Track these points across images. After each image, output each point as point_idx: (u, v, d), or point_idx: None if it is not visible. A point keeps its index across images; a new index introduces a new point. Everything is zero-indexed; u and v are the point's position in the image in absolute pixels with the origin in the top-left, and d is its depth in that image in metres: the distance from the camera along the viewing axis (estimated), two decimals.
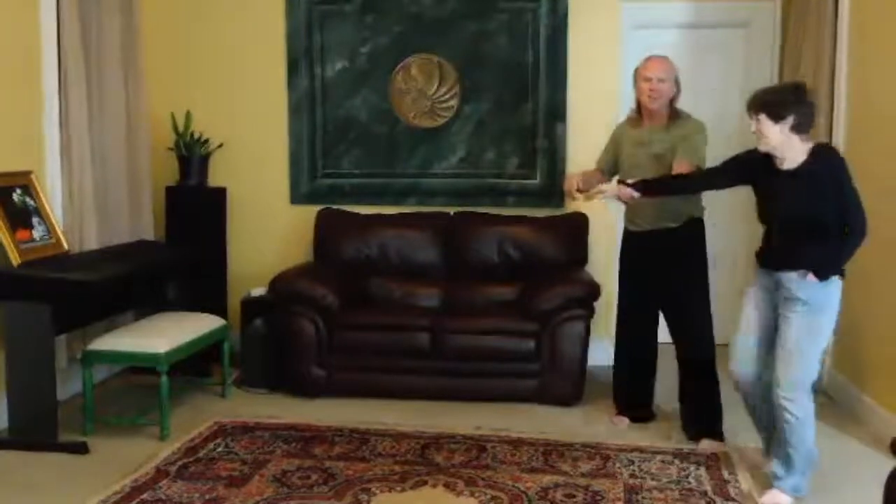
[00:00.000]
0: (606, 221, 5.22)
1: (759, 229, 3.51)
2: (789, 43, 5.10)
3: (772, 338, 3.38)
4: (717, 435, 3.95)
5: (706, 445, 3.90)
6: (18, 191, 4.10)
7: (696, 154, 3.87)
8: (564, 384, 4.50)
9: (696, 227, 4.02)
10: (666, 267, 4.00)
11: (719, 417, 3.99)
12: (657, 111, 3.95)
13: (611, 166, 4.21)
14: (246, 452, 3.80)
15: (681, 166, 3.79)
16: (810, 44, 4.76)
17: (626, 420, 4.26)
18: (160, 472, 3.55)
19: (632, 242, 4.19)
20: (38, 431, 3.83)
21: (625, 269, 4.24)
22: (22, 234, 4.01)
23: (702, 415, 4.00)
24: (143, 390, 4.56)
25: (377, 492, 3.37)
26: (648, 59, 4.00)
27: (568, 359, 4.48)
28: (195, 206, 5.21)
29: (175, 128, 5.22)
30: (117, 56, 4.82)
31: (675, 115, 3.96)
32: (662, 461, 3.72)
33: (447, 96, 5.33)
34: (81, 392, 4.10)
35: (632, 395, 4.30)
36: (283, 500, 3.29)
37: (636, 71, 4.01)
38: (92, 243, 4.53)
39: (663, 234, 4.00)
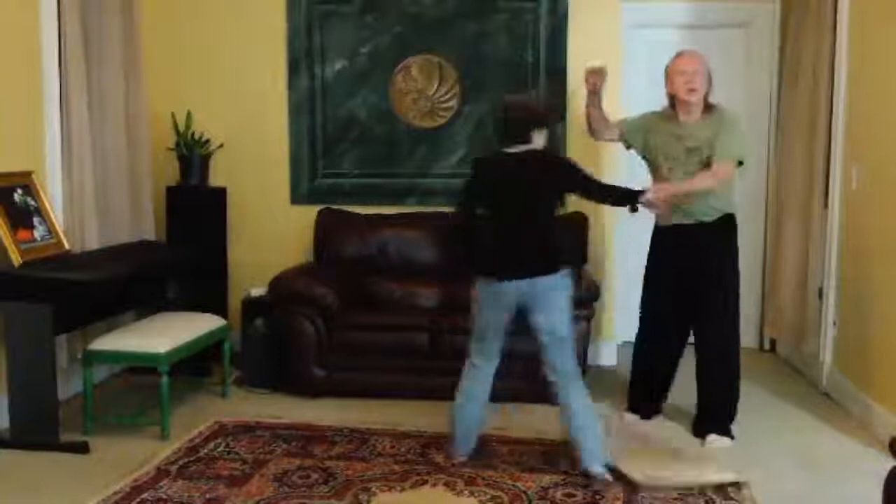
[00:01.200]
0: (606, 221, 5.23)
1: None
2: (789, 43, 5.10)
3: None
4: (727, 432, 3.95)
5: (713, 441, 3.90)
6: (19, 191, 4.10)
7: (730, 151, 3.86)
8: None
9: (727, 224, 4.00)
10: (694, 263, 3.96)
11: (732, 416, 4.00)
12: (695, 104, 3.93)
13: (622, 133, 4.18)
14: (246, 452, 3.80)
15: (704, 177, 3.84)
16: (810, 44, 4.76)
17: (635, 417, 4.25)
18: (161, 472, 3.55)
19: (661, 238, 4.12)
20: (38, 431, 3.84)
21: (652, 265, 4.17)
22: (23, 234, 4.01)
23: (717, 411, 4.00)
24: (143, 390, 4.56)
25: (377, 491, 3.38)
26: (680, 54, 3.99)
27: None
28: (195, 206, 5.22)
29: (175, 128, 5.23)
30: (118, 56, 4.83)
31: (709, 109, 3.96)
32: None
33: (447, 96, 5.33)
34: (82, 392, 4.10)
35: (646, 395, 4.27)
36: (283, 500, 3.30)
37: (667, 69, 3.99)
38: (93, 243, 4.53)
39: (693, 229, 3.97)
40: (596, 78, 4.14)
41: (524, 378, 4.22)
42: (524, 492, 3.38)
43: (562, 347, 3.49)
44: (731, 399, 4.03)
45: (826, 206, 4.69)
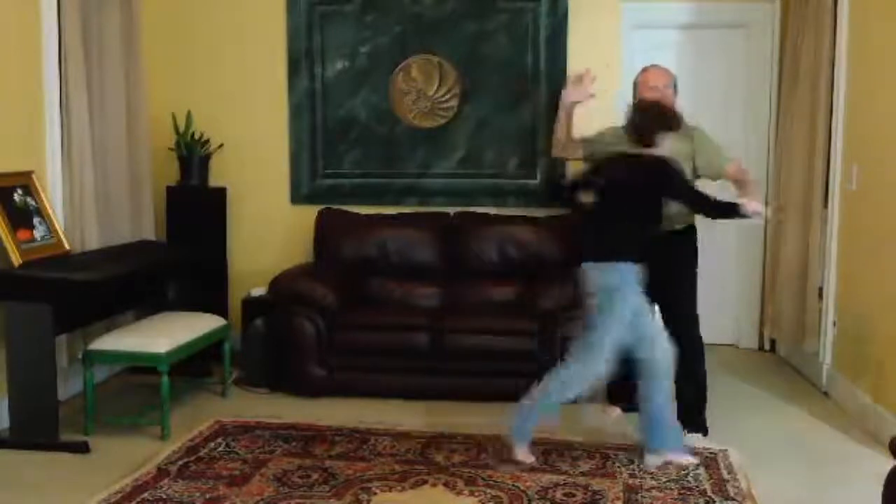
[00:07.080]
0: None
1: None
2: (789, 43, 5.10)
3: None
4: (699, 428, 3.97)
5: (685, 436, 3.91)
6: (19, 191, 4.10)
7: (723, 155, 3.91)
8: None
9: (692, 231, 4.05)
10: (665, 267, 4.00)
11: (693, 414, 4.00)
12: None
13: (589, 152, 4.17)
14: (246, 452, 3.80)
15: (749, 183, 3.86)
16: (810, 44, 4.76)
17: (616, 409, 4.30)
18: (161, 472, 3.55)
19: None
20: (39, 431, 3.83)
21: None
22: (23, 234, 4.01)
23: (687, 408, 4.02)
24: (143, 390, 4.57)
25: (377, 491, 3.38)
26: (647, 70, 4.02)
27: None
28: (196, 206, 5.22)
29: (175, 128, 5.23)
30: (118, 56, 4.83)
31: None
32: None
33: (447, 96, 5.33)
34: (82, 392, 4.10)
35: (624, 393, 4.32)
36: (283, 500, 3.30)
37: (636, 83, 4.02)
38: (93, 243, 4.53)
39: (665, 237, 4.00)
40: (583, 92, 4.17)
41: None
42: (524, 492, 3.38)
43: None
44: (700, 396, 4.03)
45: (826, 205, 4.69)
